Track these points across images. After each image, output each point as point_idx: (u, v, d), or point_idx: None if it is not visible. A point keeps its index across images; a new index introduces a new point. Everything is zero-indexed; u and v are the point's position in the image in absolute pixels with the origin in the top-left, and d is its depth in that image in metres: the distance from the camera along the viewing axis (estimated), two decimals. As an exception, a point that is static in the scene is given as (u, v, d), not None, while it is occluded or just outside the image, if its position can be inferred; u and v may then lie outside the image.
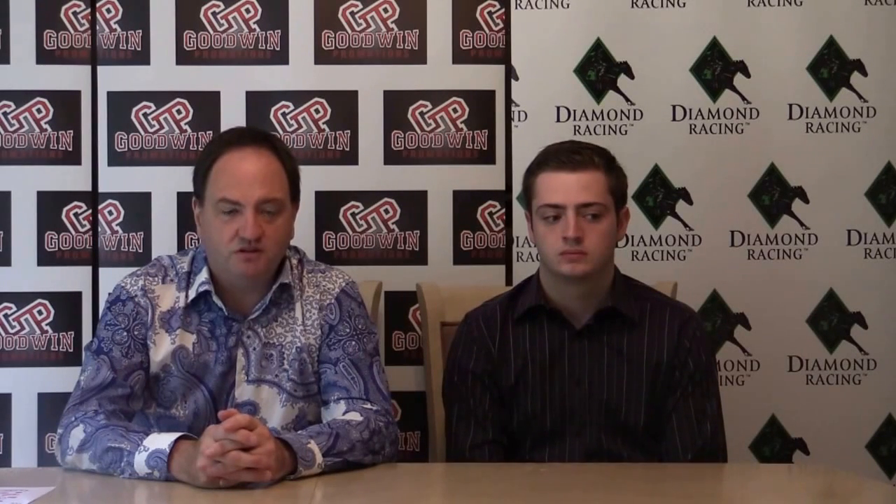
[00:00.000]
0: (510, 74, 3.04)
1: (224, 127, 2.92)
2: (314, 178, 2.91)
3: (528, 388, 2.41)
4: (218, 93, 3.02)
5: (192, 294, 2.31)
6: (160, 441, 2.05)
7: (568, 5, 3.04)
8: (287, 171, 2.31)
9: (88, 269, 3.01)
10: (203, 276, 2.32)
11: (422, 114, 3.04)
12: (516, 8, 3.04)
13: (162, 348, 2.30)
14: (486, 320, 2.46)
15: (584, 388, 2.40)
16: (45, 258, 3.00)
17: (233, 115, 2.98)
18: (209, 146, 2.42)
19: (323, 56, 3.03)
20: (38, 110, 3.01)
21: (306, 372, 2.33)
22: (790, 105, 3.07)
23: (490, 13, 3.05)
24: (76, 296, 3.00)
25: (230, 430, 1.96)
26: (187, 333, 2.31)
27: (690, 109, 3.06)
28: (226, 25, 3.03)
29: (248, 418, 2.01)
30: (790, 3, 3.06)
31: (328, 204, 3.03)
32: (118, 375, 2.25)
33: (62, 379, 2.89)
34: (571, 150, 2.38)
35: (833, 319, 3.08)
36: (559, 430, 2.40)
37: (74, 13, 3.02)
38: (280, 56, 3.03)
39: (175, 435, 2.06)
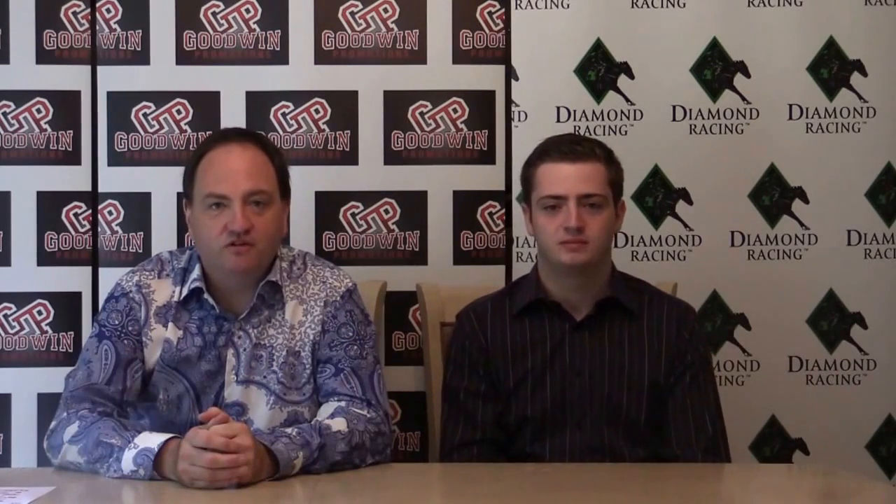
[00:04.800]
0: (510, 74, 3.04)
1: (224, 127, 2.91)
2: (314, 178, 2.91)
3: (528, 381, 2.41)
4: (218, 93, 3.02)
5: (184, 291, 2.32)
6: (150, 440, 2.05)
7: (568, 5, 3.04)
8: (275, 165, 2.31)
9: (88, 270, 3.01)
10: (195, 273, 2.32)
11: (422, 114, 3.04)
12: (516, 8, 3.03)
13: (157, 343, 2.31)
14: (477, 315, 2.47)
15: (584, 380, 2.40)
16: (45, 258, 3.00)
17: (233, 115, 2.98)
18: (196, 148, 2.42)
19: (323, 56, 3.03)
20: (38, 110, 3.01)
21: (297, 374, 2.33)
22: (790, 105, 3.07)
23: (490, 13, 3.05)
24: (76, 296, 3.00)
25: (210, 438, 1.95)
26: (175, 328, 2.31)
27: (690, 109, 3.06)
28: (226, 25, 3.03)
29: (230, 426, 1.99)
30: (790, 3, 3.06)
31: (328, 204, 3.02)
32: (112, 372, 2.26)
33: (62, 379, 2.86)
34: (572, 142, 2.42)
35: (833, 319, 3.08)
36: (559, 422, 2.40)
37: (74, 13, 3.02)
38: (280, 56, 3.03)
39: (166, 436, 2.06)
